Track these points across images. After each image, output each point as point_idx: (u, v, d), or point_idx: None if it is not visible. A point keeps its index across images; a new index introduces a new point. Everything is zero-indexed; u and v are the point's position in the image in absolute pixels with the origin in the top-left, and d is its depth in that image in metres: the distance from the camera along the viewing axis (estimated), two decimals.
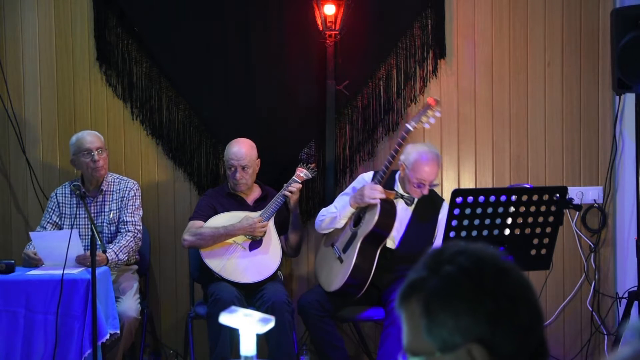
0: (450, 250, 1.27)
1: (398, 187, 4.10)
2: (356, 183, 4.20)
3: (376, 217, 3.90)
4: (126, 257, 4.12)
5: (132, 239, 4.18)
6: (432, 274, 1.25)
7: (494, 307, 1.22)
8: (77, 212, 4.20)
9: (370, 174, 4.20)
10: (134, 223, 4.23)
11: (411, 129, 3.96)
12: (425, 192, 3.99)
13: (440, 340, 1.22)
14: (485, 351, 1.21)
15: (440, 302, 1.23)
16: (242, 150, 4.25)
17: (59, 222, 4.25)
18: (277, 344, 3.91)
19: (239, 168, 4.24)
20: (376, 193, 3.91)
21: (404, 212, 4.07)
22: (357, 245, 3.94)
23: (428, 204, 4.08)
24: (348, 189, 4.22)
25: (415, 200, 4.04)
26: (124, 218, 4.23)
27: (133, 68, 4.68)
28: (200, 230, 4.16)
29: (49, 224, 4.25)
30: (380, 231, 3.94)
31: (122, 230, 4.21)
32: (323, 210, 4.18)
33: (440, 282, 1.24)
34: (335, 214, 4.08)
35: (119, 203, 4.26)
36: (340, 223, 4.09)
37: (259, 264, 4.16)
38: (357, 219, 4.05)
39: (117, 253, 4.06)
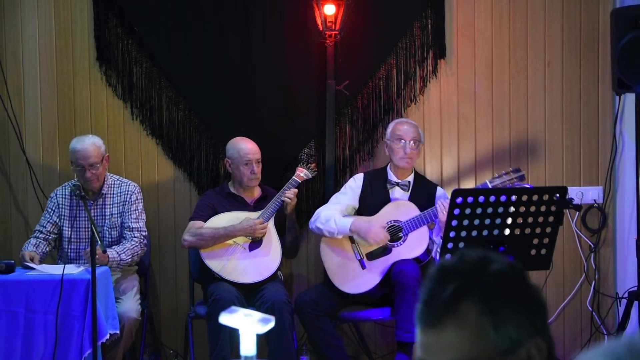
0: (479, 254, 1.27)
1: (392, 176, 4.24)
2: (352, 182, 4.29)
3: (425, 246, 4.03)
4: (129, 259, 4.11)
5: (137, 244, 4.17)
6: (477, 276, 1.24)
7: (541, 299, 1.26)
8: (77, 214, 4.20)
9: (361, 175, 4.30)
10: (139, 229, 4.22)
11: (490, 186, 3.99)
12: (408, 150, 4.14)
13: (507, 339, 1.20)
14: (546, 344, 1.22)
15: (502, 299, 1.22)
16: (254, 145, 4.30)
17: (59, 223, 4.25)
18: (278, 344, 3.91)
19: (254, 162, 4.25)
20: (380, 237, 4.00)
21: (401, 198, 4.20)
22: (390, 263, 4.02)
23: (422, 189, 4.21)
24: (343, 189, 4.29)
25: (411, 185, 4.20)
26: (130, 224, 4.21)
27: (133, 68, 4.69)
28: (200, 231, 4.16)
29: (49, 223, 4.25)
30: (421, 257, 4.06)
31: (127, 237, 4.20)
32: (322, 215, 4.15)
33: (495, 280, 1.23)
34: (334, 231, 4.09)
35: (120, 207, 4.25)
36: (338, 238, 4.14)
37: (259, 264, 4.16)
38: (393, 233, 4.07)
39: (120, 253, 4.05)
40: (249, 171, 4.25)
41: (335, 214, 4.13)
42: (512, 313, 1.21)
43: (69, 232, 4.21)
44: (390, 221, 4.09)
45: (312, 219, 4.20)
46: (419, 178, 4.28)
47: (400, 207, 4.13)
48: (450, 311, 1.22)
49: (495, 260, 1.25)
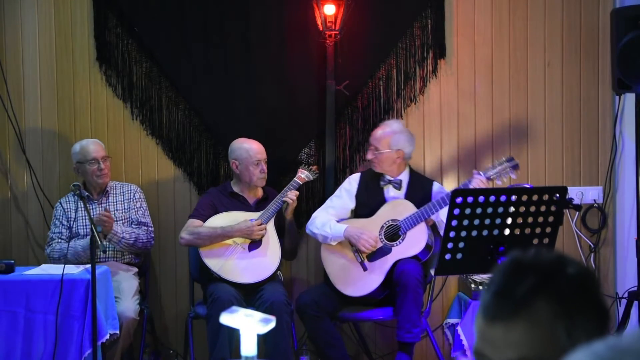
0: (554, 254, 1.24)
1: (385, 175, 4.24)
2: (347, 184, 4.30)
3: (423, 244, 4.02)
4: (131, 241, 4.20)
5: (144, 232, 4.30)
6: (555, 275, 1.20)
7: (609, 310, 1.23)
8: (82, 214, 4.24)
9: (357, 175, 4.32)
10: (146, 224, 4.36)
11: (484, 177, 3.98)
12: (369, 155, 4.21)
13: (577, 346, 1.13)
14: None
15: (579, 304, 1.18)
16: (260, 145, 4.30)
17: (68, 224, 4.29)
18: (275, 345, 3.91)
19: (263, 162, 4.26)
20: (371, 243, 4.01)
21: (396, 196, 4.21)
22: (390, 263, 4.01)
23: (418, 186, 4.22)
24: (338, 192, 4.31)
25: (403, 184, 4.21)
26: (138, 219, 4.34)
27: (133, 68, 4.69)
28: (197, 230, 4.17)
29: (62, 226, 4.30)
30: (420, 255, 4.06)
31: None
32: (317, 221, 4.18)
33: (573, 283, 1.19)
34: (328, 236, 4.12)
35: (126, 204, 4.36)
36: (332, 244, 4.15)
37: (257, 264, 4.16)
38: (391, 233, 4.08)
39: (123, 232, 4.16)
40: (258, 171, 4.26)
41: (331, 219, 4.16)
42: (586, 320, 1.17)
43: (76, 229, 4.28)
44: (388, 221, 4.09)
45: (309, 223, 4.23)
46: (414, 175, 4.28)
47: (397, 206, 4.13)
48: (526, 306, 1.17)
49: (573, 263, 1.22)
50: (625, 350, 0.91)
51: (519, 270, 1.21)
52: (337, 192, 4.32)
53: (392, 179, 4.22)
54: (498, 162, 4.04)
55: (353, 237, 4.04)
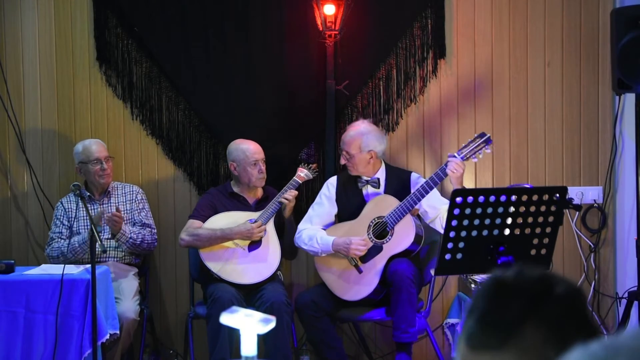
0: (538, 272, 1.16)
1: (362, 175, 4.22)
2: (325, 190, 4.28)
3: (412, 236, 3.98)
4: (138, 242, 4.21)
5: (149, 234, 4.32)
6: (543, 298, 1.12)
7: (599, 327, 1.19)
8: (82, 214, 4.25)
9: (334, 178, 4.29)
10: (150, 225, 4.37)
11: (459, 158, 3.88)
12: (342, 161, 4.17)
13: None
14: None
15: (570, 326, 1.11)
16: (257, 145, 4.29)
17: (69, 223, 4.30)
18: (274, 344, 3.91)
19: (261, 162, 4.26)
20: (361, 249, 3.99)
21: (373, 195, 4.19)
22: (384, 261, 3.99)
23: (396, 181, 4.18)
24: (318, 198, 4.29)
25: (381, 181, 4.17)
26: (142, 221, 4.35)
27: (133, 68, 4.69)
28: (197, 231, 4.16)
29: (63, 226, 4.30)
30: (411, 247, 4.02)
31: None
32: (304, 235, 4.15)
33: (562, 305, 1.12)
34: (318, 250, 4.10)
35: (127, 205, 4.36)
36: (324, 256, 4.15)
37: (257, 265, 4.16)
38: (380, 230, 4.05)
39: (131, 232, 4.18)
40: (256, 171, 4.25)
41: (317, 232, 4.14)
42: (579, 342, 1.07)
43: (77, 229, 4.29)
44: (374, 219, 4.07)
45: (296, 237, 4.20)
46: (391, 171, 4.24)
47: (380, 202, 4.10)
48: (514, 334, 1.09)
49: (559, 281, 1.14)
50: (620, 348, 0.90)
51: (503, 294, 1.13)
52: (318, 198, 4.29)
53: (369, 179, 4.19)
54: (471, 140, 3.93)
55: (342, 250, 4.03)
